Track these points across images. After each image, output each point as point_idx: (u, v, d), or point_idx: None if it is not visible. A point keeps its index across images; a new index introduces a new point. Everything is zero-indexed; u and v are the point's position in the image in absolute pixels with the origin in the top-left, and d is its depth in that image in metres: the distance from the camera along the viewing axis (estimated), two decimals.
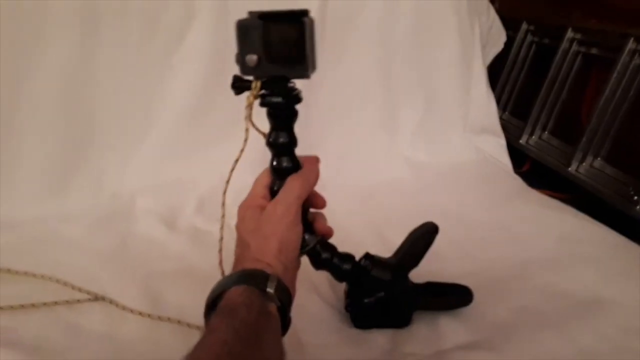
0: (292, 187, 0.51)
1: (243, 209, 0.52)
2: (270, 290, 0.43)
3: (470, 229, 0.76)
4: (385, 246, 0.61)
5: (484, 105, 1.00)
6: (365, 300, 0.56)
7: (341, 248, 0.67)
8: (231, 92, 0.82)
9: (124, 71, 0.81)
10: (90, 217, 0.77)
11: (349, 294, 0.58)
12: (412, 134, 0.95)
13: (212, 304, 0.43)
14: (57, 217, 0.76)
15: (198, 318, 0.44)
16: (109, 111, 0.81)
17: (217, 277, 0.61)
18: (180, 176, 0.84)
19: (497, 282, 0.63)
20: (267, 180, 0.54)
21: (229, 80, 0.81)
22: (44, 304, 0.58)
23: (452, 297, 0.59)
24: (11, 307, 0.59)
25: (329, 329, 0.58)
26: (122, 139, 0.83)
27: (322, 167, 0.87)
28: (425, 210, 0.80)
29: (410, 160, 0.93)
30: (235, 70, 0.81)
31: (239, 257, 0.49)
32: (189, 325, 0.57)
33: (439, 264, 0.58)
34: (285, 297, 0.45)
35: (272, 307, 0.43)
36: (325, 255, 0.54)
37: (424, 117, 0.95)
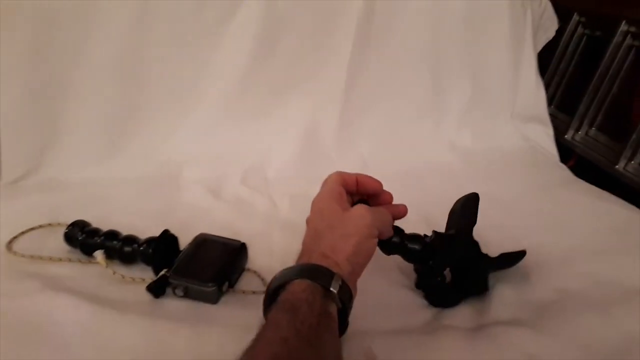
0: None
1: (321, 202, 0.52)
2: (333, 290, 0.42)
3: (516, 215, 0.75)
4: (430, 226, 0.61)
5: (533, 92, 0.99)
6: (439, 278, 0.56)
7: None
8: (278, 67, 0.84)
9: (175, 42, 0.83)
10: (140, 182, 0.80)
11: (422, 273, 0.58)
12: (458, 119, 0.94)
13: (274, 293, 0.44)
14: (108, 180, 0.79)
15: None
16: (160, 80, 0.84)
17: (259, 246, 0.64)
18: (226, 147, 0.86)
19: (542, 266, 0.63)
20: (343, 180, 0.54)
21: (277, 54, 0.83)
22: (98, 262, 0.61)
23: (511, 254, 0.59)
24: (69, 260, 0.62)
25: None
26: (172, 109, 0.85)
27: (363, 145, 0.88)
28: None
29: (455, 146, 0.93)
30: (284, 47, 0.83)
31: (307, 249, 0.49)
32: (243, 291, 0.59)
33: (483, 248, 0.58)
34: (347, 299, 0.44)
35: (333, 308, 0.43)
36: (395, 239, 0.55)
37: (471, 102, 0.94)
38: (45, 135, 0.79)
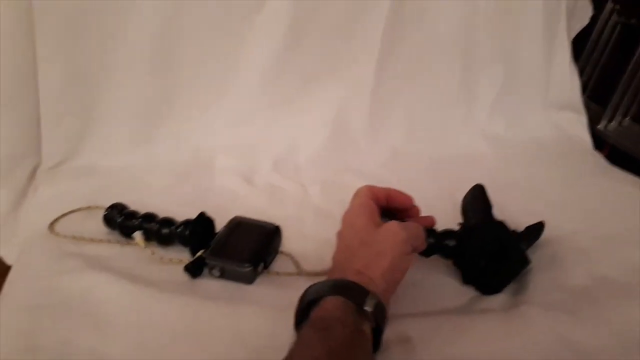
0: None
1: (352, 217, 0.52)
2: (368, 308, 0.41)
3: (550, 203, 0.74)
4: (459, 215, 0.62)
5: (567, 79, 0.97)
6: (483, 263, 0.56)
7: None
8: (309, 55, 0.84)
9: (209, 30, 0.83)
10: (174, 167, 0.81)
11: (464, 266, 0.58)
12: (490, 107, 0.93)
13: (306, 308, 0.43)
14: (143, 166, 0.81)
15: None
16: (195, 67, 0.84)
17: (292, 230, 0.65)
18: (258, 135, 0.87)
19: (578, 253, 0.62)
20: (374, 194, 0.54)
21: (308, 42, 0.83)
22: (137, 243, 0.62)
23: (533, 226, 0.60)
24: (109, 241, 0.64)
25: None
26: (205, 96, 0.86)
27: (393, 133, 0.88)
28: (502, 183, 0.80)
29: (487, 134, 0.92)
30: (315, 34, 0.83)
31: (339, 265, 0.49)
32: (277, 273, 0.60)
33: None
34: (381, 317, 0.43)
35: (367, 327, 0.42)
36: (430, 240, 0.56)
37: (503, 90, 0.93)
38: (83, 122, 0.80)
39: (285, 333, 0.51)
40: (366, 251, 0.47)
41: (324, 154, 0.86)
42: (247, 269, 0.56)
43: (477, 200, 0.63)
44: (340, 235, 0.52)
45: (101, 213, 0.66)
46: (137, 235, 0.61)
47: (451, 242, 0.57)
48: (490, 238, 0.56)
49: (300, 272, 0.60)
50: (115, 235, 0.65)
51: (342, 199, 0.75)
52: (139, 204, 0.67)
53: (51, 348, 0.49)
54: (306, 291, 0.44)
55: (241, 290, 0.57)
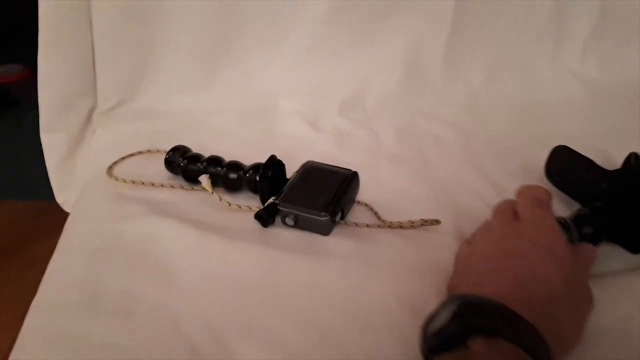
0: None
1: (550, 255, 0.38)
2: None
3: None
4: None
5: None
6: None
7: (504, 165, 0.61)
8: None
9: None
10: (236, 111, 0.76)
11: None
12: (582, 46, 0.82)
13: (445, 340, 0.32)
14: (203, 109, 0.76)
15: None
16: (256, 6, 0.78)
17: (366, 178, 0.59)
18: (323, 77, 0.80)
19: None
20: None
21: None
22: (202, 188, 0.58)
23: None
24: (171, 186, 0.59)
25: None
26: (267, 37, 0.79)
27: (473, 73, 0.79)
28: (598, 129, 0.71)
29: (579, 76, 0.82)
30: None
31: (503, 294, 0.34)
32: (356, 224, 0.54)
33: None
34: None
35: None
36: (587, 231, 0.46)
37: (598, 26, 0.82)
38: (140, 63, 0.75)
39: (368, 289, 0.46)
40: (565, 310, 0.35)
41: (396, 97, 0.78)
42: (325, 218, 0.50)
43: (576, 161, 0.54)
44: (493, 257, 0.39)
45: (162, 157, 0.61)
46: (204, 179, 0.56)
47: (604, 220, 0.47)
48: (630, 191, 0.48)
49: (382, 224, 0.53)
50: (179, 180, 0.60)
51: (419, 145, 0.70)
52: (201, 148, 0.62)
53: (113, 298, 0.46)
54: (441, 315, 0.32)
55: (317, 242, 0.51)
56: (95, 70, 0.74)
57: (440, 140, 0.70)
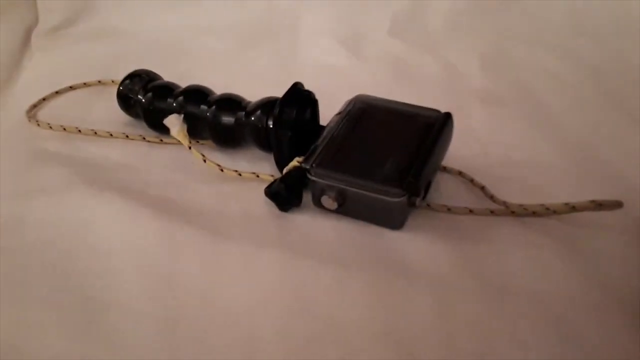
0: None
1: None
2: None
3: None
4: None
5: None
6: None
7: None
8: None
9: None
10: (232, 31, 0.55)
11: None
12: None
13: None
14: (185, 28, 0.56)
15: None
16: None
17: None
18: None
19: None
20: None
21: None
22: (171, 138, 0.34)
23: None
24: (126, 137, 0.36)
25: None
26: None
27: None
28: None
29: None
30: None
31: None
32: (448, 209, 0.32)
33: None
34: None
35: None
36: None
37: None
38: None
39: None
40: None
41: (472, 12, 0.53)
42: (398, 198, 0.26)
43: None
44: None
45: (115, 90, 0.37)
46: (173, 121, 0.32)
47: None
48: None
49: (499, 208, 0.29)
50: (139, 127, 0.37)
51: (516, 79, 0.45)
52: (181, 79, 0.38)
53: None
54: None
55: (384, 243, 0.28)
56: None
57: (552, 73, 0.46)
